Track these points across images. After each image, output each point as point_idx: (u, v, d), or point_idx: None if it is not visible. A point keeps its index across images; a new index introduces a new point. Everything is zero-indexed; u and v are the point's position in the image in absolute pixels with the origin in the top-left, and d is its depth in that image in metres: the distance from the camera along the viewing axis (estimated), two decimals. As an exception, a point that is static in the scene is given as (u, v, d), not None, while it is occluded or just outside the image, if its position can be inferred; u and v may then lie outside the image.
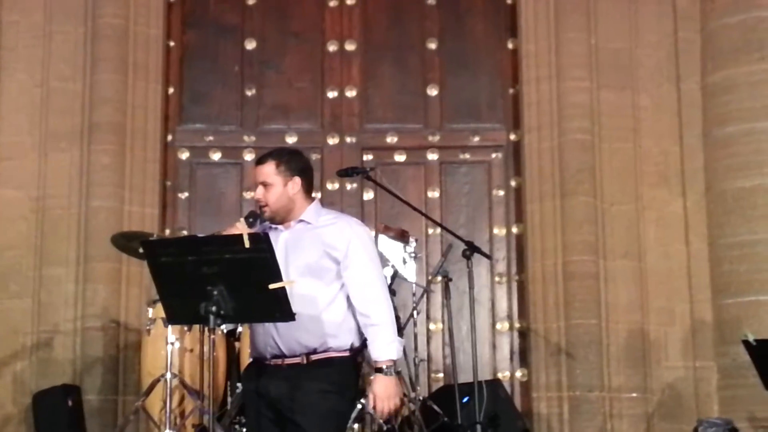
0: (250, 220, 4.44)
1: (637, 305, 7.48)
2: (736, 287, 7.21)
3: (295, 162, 4.51)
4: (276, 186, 4.44)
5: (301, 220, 4.46)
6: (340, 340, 4.33)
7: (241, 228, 4.44)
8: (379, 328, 4.29)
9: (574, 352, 7.33)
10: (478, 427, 6.13)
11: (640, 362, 7.40)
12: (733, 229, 7.28)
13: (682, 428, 7.25)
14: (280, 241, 4.39)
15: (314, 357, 4.29)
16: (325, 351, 4.30)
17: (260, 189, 4.47)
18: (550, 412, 7.38)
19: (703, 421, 6.82)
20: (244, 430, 5.87)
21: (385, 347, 4.27)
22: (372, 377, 4.29)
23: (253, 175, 4.55)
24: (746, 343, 5.30)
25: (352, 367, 4.39)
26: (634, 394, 7.37)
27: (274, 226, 4.48)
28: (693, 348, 7.44)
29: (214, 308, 4.18)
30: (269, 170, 4.46)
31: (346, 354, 4.34)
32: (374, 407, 4.27)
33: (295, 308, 4.12)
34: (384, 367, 4.26)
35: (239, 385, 6.17)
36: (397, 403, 4.30)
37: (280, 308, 4.24)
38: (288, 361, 4.29)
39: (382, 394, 4.25)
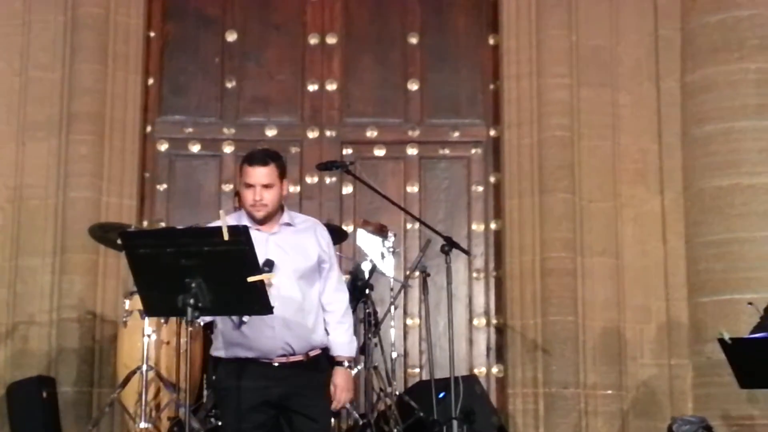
0: (266, 269, 4.35)
1: (613, 303, 7.50)
2: (712, 286, 7.24)
3: (284, 165, 4.64)
4: (275, 188, 4.53)
5: (285, 224, 4.58)
6: (325, 338, 4.60)
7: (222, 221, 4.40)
8: (346, 327, 4.65)
9: (551, 348, 7.35)
10: (454, 422, 6.13)
11: (615, 359, 7.43)
12: (710, 227, 7.31)
13: (656, 425, 7.29)
14: (270, 243, 4.48)
15: (311, 354, 4.52)
16: (316, 348, 4.55)
17: (261, 190, 4.50)
18: (526, 408, 7.40)
19: (678, 418, 6.86)
20: (220, 423, 5.85)
21: (348, 345, 4.64)
22: (337, 372, 4.58)
23: (247, 176, 4.51)
24: (722, 341, 5.32)
25: None
26: (610, 391, 7.40)
27: (253, 227, 4.48)
28: (668, 346, 7.47)
29: (192, 300, 4.17)
30: (272, 172, 4.52)
31: (325, 350, 4.63)
32: (335, 397, 4.55)
33: (297, 310, 4.44)
34: (345, 362, 4.61)
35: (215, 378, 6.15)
36: (351, 395, 4.69)
37: (258, 301, 4.23)
38: (292, 358, 4.47)
39: (344, 386, 4.58)
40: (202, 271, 4.17)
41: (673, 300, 7.51)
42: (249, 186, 4.51)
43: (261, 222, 4.53)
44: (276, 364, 4.45)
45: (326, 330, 4.60)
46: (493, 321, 7.85)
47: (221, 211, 4.42)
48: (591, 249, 7.54)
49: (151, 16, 8.08)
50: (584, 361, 7.39)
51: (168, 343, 6.18)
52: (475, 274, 7.92)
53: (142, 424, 5.94)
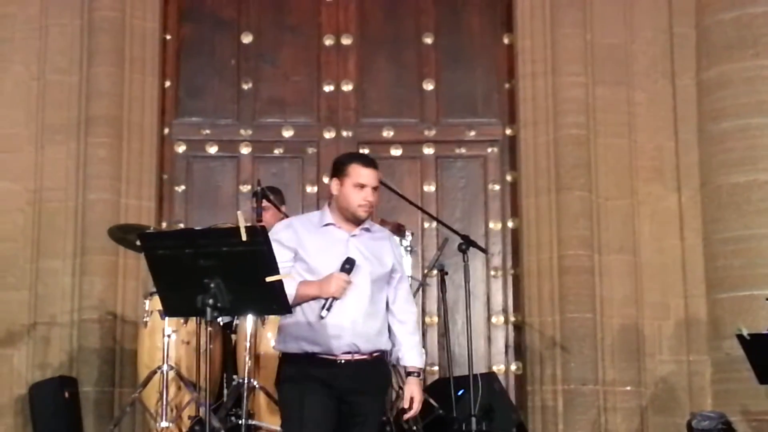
0: (347, 267, 4.42)
1: (631, 299, 7.51)
2: (730, 282, 7.24)
3: None
4: (377, 192, 4.62)
5: (365, 228, 4.63)
6: (389, 343, 4.64)
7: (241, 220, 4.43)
8: (416, 338, 4.71)
9: (569, 345, 7.36)
10: (473, 419, 6.16)
11: (634, 356, 7.44)
12: (728, 224, 7.30)
13: (675, 422, 7.29)
14: (350, 244, 4.54)
15: (375, 355, 4.54)
16: (381, 351, 4.59)
17: (371, 192, 4.56)
18: (545, 405, 7.41)
19: (697, 414, 6.86)
20: (240, 421, 5.89)
21: (419, 355, 4.68)
22: (407, 380, 4.64)
23: (360, 176, 4.52)
24: (740, 337, 5.34)
25: None
26: (628, 388, 7.40)
27: (336, 224, 4.58)
28: (687, 342, 7.47)
29: (211, 301, 4.20)
30: (376, 176, 4.59)
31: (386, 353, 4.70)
32: (409, 407, 4.60)
33: (370, 312, 4.49)
34: (418, 372, 4.65)
35: (235, 377, 6.19)
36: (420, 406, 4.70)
37: (276, 301, 4.26)
38: (357, 357, 4.47)
39: (420, 396, 4.63)
40: (220, 271, 4.19)
41: (691, 296, 7.51)
42: (361, 186, 4.53)
43: (353, 221, 4.57)
44: (341, 361, 4.45)
45: (392, 340, 4.64)
46: (512, 319, 7.86)
47: (239, 213, 4.44)
48: (608, 246, 7.55)
49: (166, 19, 8.12)
50: (603, 358, 7.40)
51: (188, 342, 6.22)
52: (492, 272, 7.93)
53: (163, 424, 5.98)
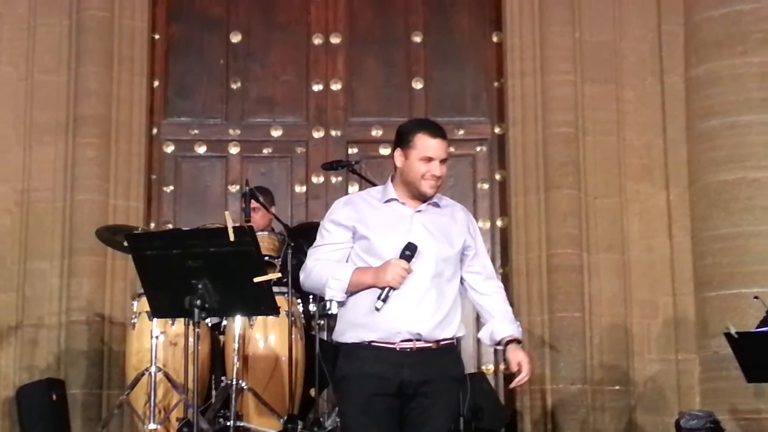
0: (407, 253, 4.08)
1: (620, 298, 7.51)
2: (718, 280, 7.24)
3: None
4: (445, 164, 4.24)
5: (433, 203, 4.27)
6: (461, 330, 4.28)
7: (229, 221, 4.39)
8: (507, 308, 4.36)
9: (558, 344, 7.36)
10: (462, 419, 6.15)
11: (622, 355, 7.44)
12: (716, 222, 7.30)
13: (664, 420, 7.29)
14: (414, 220, 4.20)
15: (443, 343, 4.18)
16: (450, 338, 4.22)
17: (439, 165, 4.19)
18: (534, 404, 7.41)
19: (685, 413, 6.85)
20: (229, 423, 5.88)
21: (514, 324, 4.31)
22: (510, 347, 4.24)
23: (427, 148, 4.16)
24: (728, 335, 5.33)
25: None
26: (617, 387, 7.40)
27: (400, 199, 4.26)
28: (675, 341, 7.47)
29: (198, 302, 4.20)
30: (445, 146, 4.21)
31: (458, 342, 4.36)
32: (523, 371, 4.21)
33: (434, 295, 4.12)
34: (518, 340, 4.28)
35: (223, 378, 6.18)
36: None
37: (264, 302, 4.26)
38: (419, 344, 4.12)
39: (526, 359, 4.23)
40: (208, 272, 4.20)
41: (679, 295, 7.51)
42: (428, 160, 4.16)
43: (419, 197, 4.23)
44: (399, 349, 4.09)
45: (482, 319, 4.34)
46: (501, 318, 7.84)
47: (226, 213, 4.44)
48: (597, 245, 7.55)
49: (155, 19, 8.10)
50: (591, 357, 7.39)
51: (176, 344, 6.21)
52: (482, 271, 7.91)
53: (151, 426, 5.96)
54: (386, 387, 4.09)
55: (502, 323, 4.28)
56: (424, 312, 4.11)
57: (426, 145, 4.16)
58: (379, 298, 4.07)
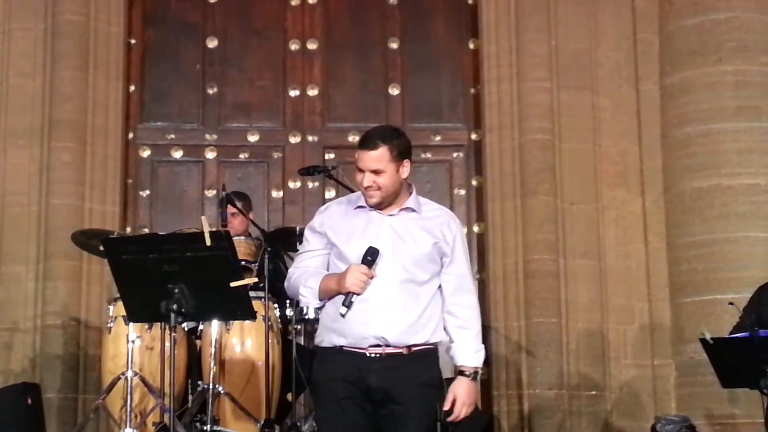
0: (369, 258, 4.06)
1: (596, 304, 7.54)
2: (693, 286, 7.29)
3: (405, 143, 4.25)
4: (388, 172, 4.13)
5: (408, 208, 4.23)
6: (438, 335, 4.20)
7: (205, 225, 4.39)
8: (471, 333, 4.24)
9: (534, 350, 7.38)
10: (438, 424, 6.14)
11: (599, 360, 7.47)
12: (691, 228, 7.35)
13: (640, 425, 7.33)
14: (384, 224, 4.18)
15: (415, 349, 4.13)
16: (424, 344, 4.16)
17: (369, 176, 4.13)
18: (510, 409, 7.43)
19: (661, 418, 6.88)
20: (206, 427, 5.87)
21: (473, 354, 4.22)
22: (455, 379, 4.22)
23: (357, 159, 4.17)
24: (703, 341, 5.38)
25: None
26: (594, 392, 7.43)
27: (367, 207, 4.21)
28: (651, 346, 7.51)
29: (175, 306, 4.20)
30: (383, 156, 4.12)
31: (435, 348, 4.24)
32: (451, 408, 4.18)
33: (403, 300, 4.09)
34: (469, 372, 4.21)
35: (200, 383, 6.16)
36: (471, 410, 4.23)
37: (241, 306, 4.25)
38: (388, 350, 4.09)
39: (464, 398, 4.18)
40: (184, 276, 4.20)
41: (655, 301, 7.55)
42: (360, 171, 4.15)
43: (378, 206, 4.18)
44: (369, 354, 4.08)
45: (448, 333, 4.23)
46: (477, 323, 7.86)
47: (203, 217, 4.43)
48: (573, 251, 7.58)
49: (131, 23, 8.07)
50: (568, 363, 7.42)
51: (152, 348, 6.19)
52: (458, 277, 7.92)
53: (128, 430, 5.92)
54: (354, 391, 4.10)
55: (458, 350, 4.22)
56: (390, 317, 4.08)
57: (358, 156, 4.18)
58: (343, 303, 4.07)
